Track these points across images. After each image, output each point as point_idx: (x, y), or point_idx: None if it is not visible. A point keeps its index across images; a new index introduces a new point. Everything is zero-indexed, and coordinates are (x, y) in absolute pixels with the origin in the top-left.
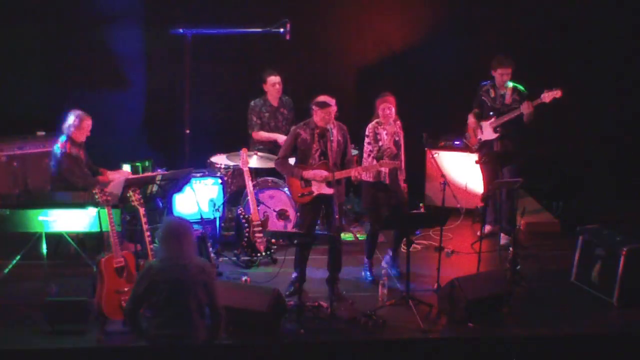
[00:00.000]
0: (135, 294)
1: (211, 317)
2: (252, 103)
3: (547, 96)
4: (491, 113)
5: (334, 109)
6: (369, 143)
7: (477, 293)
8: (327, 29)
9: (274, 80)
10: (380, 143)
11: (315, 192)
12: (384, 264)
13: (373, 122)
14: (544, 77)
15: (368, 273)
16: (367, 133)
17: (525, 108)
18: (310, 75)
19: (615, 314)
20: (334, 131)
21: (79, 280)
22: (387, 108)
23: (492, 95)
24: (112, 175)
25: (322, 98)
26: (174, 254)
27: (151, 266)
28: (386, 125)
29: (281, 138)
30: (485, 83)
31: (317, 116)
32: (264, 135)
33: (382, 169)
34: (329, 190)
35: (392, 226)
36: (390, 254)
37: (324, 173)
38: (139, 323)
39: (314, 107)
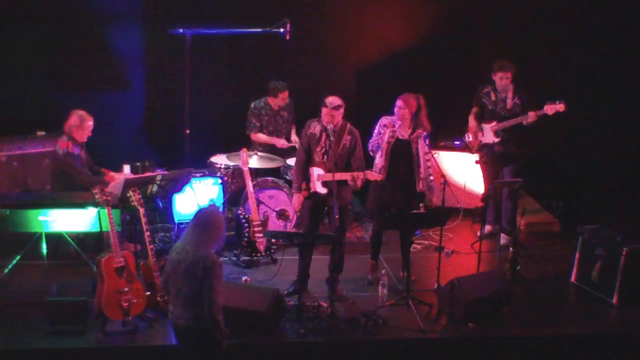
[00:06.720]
0: (164, 269)
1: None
2: (252, 105)
3: (549, 109)
4: (492, 117)
5: (337, 110)
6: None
7: (477, 293)
8: (327, 29)
9: (285, 95)
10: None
11: (311, 189)
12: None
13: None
14: (543, 78)
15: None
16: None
17: (532, 117)
18: (310, 75)
19: (615, 314)
20: (341, 133)
21: (79, 280)
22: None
23: (493, 98)
24: (115, 176)
25: (329, 98)
26: (188, 239)
27: (173, 244)
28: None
29: (279, 142)
30: (485, 85)
31: (322, 113)
32: (262, 137)
33: (369, 177)
34: (322, 190)
35: (392, 226)
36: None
37: (320, 172)
38: None
39: (321, 104)
